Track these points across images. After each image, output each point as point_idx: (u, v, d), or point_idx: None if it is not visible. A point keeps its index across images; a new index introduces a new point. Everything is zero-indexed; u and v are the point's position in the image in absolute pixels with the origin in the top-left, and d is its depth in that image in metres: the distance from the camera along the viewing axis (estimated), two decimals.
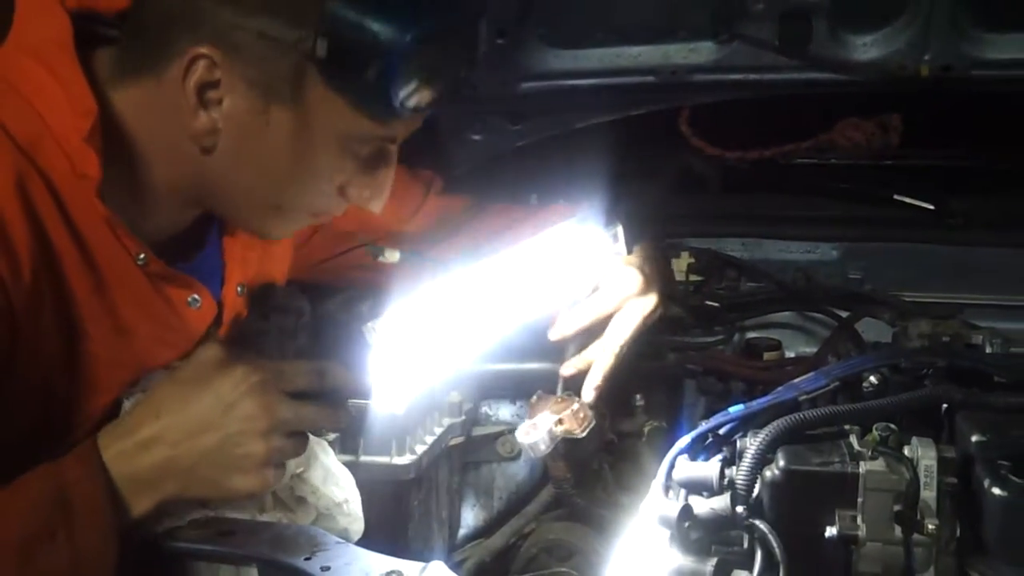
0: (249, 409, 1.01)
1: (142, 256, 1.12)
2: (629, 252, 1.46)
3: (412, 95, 1.05)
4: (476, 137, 1.83)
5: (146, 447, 1.00)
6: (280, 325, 1.28)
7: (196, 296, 1.19)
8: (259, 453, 1.02)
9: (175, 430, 1.01)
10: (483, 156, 1.85)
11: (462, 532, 1.56)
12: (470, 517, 1.57)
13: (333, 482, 1.12)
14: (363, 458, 1.30)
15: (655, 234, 1.76)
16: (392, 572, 0.92)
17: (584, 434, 1.36)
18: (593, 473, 1.61)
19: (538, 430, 1.34)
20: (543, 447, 1.34)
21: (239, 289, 1.27)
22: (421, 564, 0.95)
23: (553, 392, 1.44)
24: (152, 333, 1.17)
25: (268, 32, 1.01)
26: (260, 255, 1.30)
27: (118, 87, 1.08)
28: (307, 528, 1.05)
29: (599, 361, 1.42)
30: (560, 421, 1.35)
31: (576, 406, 1.40)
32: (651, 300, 1.45)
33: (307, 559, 0.95)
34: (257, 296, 1.30)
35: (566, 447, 1.57)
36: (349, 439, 1.29)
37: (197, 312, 1.20)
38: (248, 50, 1.02)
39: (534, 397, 1.45)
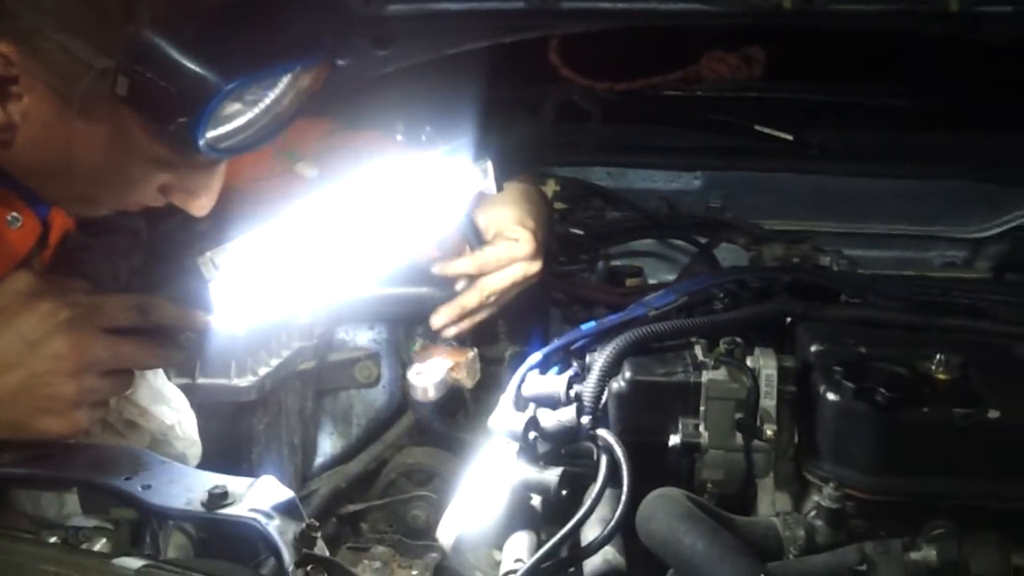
0: (56, 347, 0.94)
1: None
2: (499, 189, 1.44)
3: (222, 141, 0.98)
4: (340, 62, 1.76)
5: None
6: (111, 244, 1.20)
7: (16, 214, 1.11)
8: (68, 394, 0.95)
9: None
10: (347, 83, 1.78)
11: (319, 460, 1.52)
12: (327, 445, 1.53)
13: (164, 403, 1.07)
14: (200, 380, 1.24)
15: (529, 171, 1.75)
16: (217, 487, 0.88)
17: (472, 385, 1.35)
18: (454, 399, 1.59)
19: (430, 375, 1.31)
20: (433, 393, 1.33)
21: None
22: (249, 480, 0.91)
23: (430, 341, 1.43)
24: None
25: (71, 49, 0.91)
26: None
27: None
28: (130, 448, 1.00)
29: (464, 298, 1.40)
30: (453, 368, 1.33)
31: (471, 355, 1.38)
32: (536, 266, 1.43)
33: (127, 479, 0.90)
34: None
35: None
36: (190, 362, 1.23)
37: (17, 232, 1.12)
38: (50, 59, 0.92)
39: (417, 345, 1.42)
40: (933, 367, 1.13)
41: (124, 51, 0.90)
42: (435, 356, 1.38)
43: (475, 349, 1.38)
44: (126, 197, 1.07)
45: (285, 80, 1.01)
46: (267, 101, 1.00)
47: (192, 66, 0.90)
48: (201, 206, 1.08)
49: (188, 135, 0.94)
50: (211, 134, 0.96)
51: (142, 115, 0.94)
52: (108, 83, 0.91)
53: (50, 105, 0.95)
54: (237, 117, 0.98)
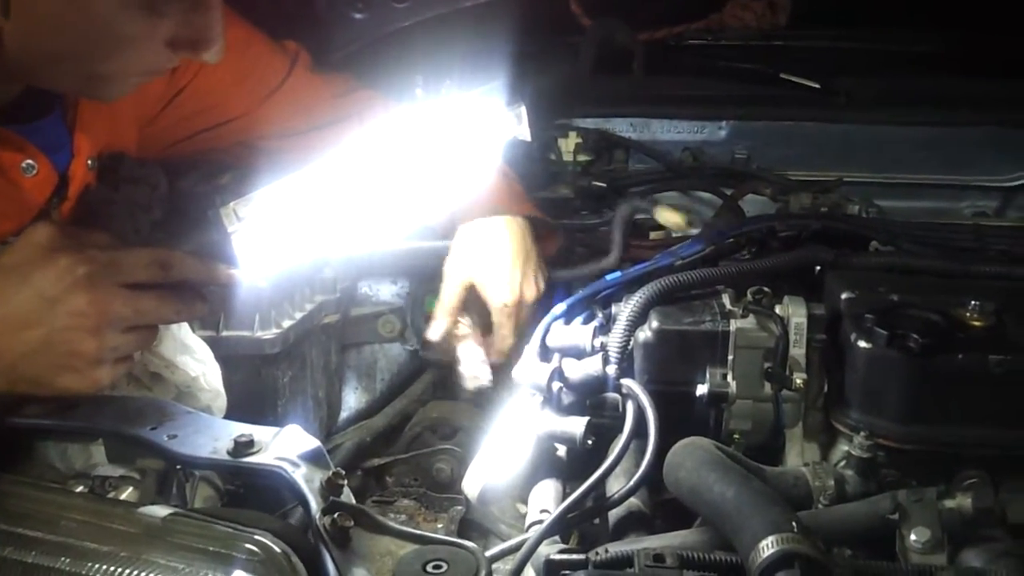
0: (76, 304, 0.92)
1: None
2: (532, 137, 1.40)
3: None
4: (357, 16, 1.73)
5: None
6: (131, 197, 1.19)
7: (31, 162, 1.09)
8: (89, 351, 0.93)
9: None
10: (365, 37, 1.75)
11: (344, 414, 1.52)
12: (352, 399, 1.53)
13: (188, 354, 1.06)
14: (224, 333, 1.24)
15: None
16: (242, 436, 0.87)
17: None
18: None
19: (481, 372, 1.36)
20: (487, 382, 1.38)
21: (89, 163, 1.18)
22: (275, 429, 0.90)
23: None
24: None
25: None
26: (108, 125, 1.20)
27: None
28: (156, 400, 0.99)
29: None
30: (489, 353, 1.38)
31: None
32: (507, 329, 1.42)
33: (153, 429, 0.90)
34: (106, 166, 1.21)
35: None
36: (216, 316, 1.22)
37: (33, 180, 1.11)
38: None
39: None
40: (967, 314, 1.11)
41: None
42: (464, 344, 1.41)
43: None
44: (134, 60, 1.01)
45: None
46: None
47: None
48: (212, 51, 1.02)
49: None
50: None
51: None
52: None
53: None
54: None
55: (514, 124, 1.33)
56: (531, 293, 1.43)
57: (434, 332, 1.42)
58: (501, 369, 1.42)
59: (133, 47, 0.99)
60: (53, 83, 1.06)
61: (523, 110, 1.32)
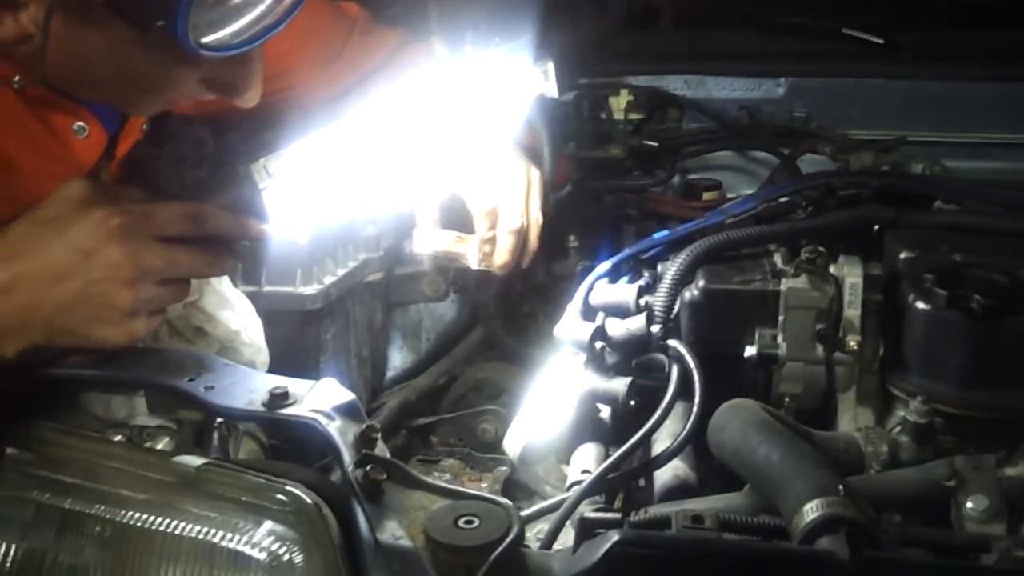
0: (111, 256, 0.92)
1: (17, 79, 1.01)
2: (561, 93, 1.36)
3: (218, 42, 0.91)
4: None
5: (3, 293, 0.92)
6: (176, 153, 1.19)
7: (82, 124, 1.10)
8: (125, 303, 0.93)
9: (31, 276, 0.92)
10: None
11: (389, 374, 1.52)
12: (397, 359, 1.53)
13: (230, 309, 1.06)
14: (267, 288, 1.23)
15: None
16: (278, 388, 0.87)
17: (473, 267, 1.32)
18: (524, 315, 1.57)
19: (434, 236, 1.29)
20: (429, 249, 1.32)
21: (144, 127, 1.18)
22: (311, 382, 0.90)
23: None
24: (38, 165, 1.08)
25: None
26: None
27: None
28: (195, 352, 1.00)
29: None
30: (460, 239, 1.29)
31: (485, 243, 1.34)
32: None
33: (191, 380, 0.90)
34: (152, 123, 1.21)
35: (496, 287, 1.53)
36: (251, 271, 1.22)
37: (84, 142, 1.11)
38: None
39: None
40: None
41: None
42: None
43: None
44: (166, 96, 1.03)
45: None
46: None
47: None
48: (246, 99, 1.03)
49: (172, 39, 0.89)
50: (210, 38, 0.91)
51: (123, 20, 0.90)
52: None
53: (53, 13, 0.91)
54: (235, 18, 0.93)
55: (541, 80, 1.30)
56: (517, 206, 1.33)
57: (416, 243, 1.35)
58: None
59: (167, 87, 1.00)
60: (90, 99, 1.07)
61: (550, 66, 1.30)
